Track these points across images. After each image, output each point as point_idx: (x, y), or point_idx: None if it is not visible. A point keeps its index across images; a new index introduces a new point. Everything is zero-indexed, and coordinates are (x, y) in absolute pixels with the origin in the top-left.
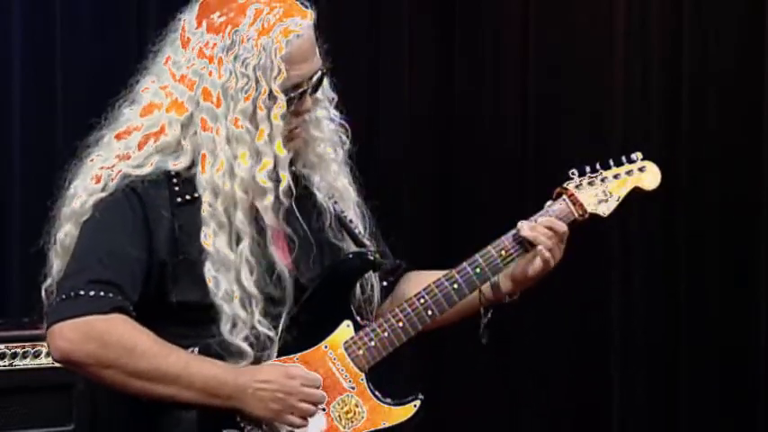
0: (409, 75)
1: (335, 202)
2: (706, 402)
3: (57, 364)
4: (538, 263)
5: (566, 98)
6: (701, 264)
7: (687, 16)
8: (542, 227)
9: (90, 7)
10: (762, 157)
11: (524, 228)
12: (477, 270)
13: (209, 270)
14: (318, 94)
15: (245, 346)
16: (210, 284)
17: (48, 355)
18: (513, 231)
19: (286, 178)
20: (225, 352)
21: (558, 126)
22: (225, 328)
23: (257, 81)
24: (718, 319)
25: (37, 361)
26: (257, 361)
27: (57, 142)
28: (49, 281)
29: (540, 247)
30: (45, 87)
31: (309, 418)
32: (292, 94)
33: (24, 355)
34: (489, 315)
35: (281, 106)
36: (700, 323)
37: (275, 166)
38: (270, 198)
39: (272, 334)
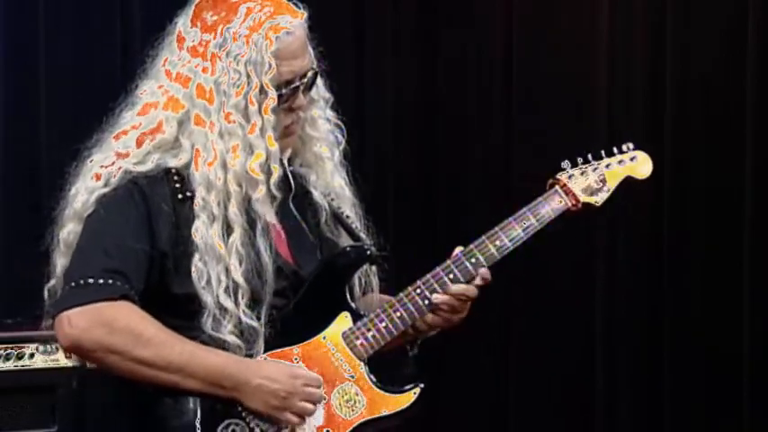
0: (393, 74)
1: (332, 200)
2: (690, 396)
3: (40, 366)
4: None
5: (550, 97)
6: (684, 262)
7: (671, 15)
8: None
9: (73, 6)
10: (745, 155)
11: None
12: (473, 260)
13: (195, 262)
14: (313, 94)
15: (232, 339)
16: (194, 275)
17: (31, 356)
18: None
19: (277, 170)
20: (219, 347)
21: (542, 126)
22: (207, 321)
23: (248, 76)
24: (701, 314)
25: (20, 363)
26: (247, 355)
27: (40, 143)
28: (52, 281)
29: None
30: (28, 88)
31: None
32: (284, 90)
33: (8, 357)
34: (416, 350)
35: (272, 100)
36: (683, 317)
37: (267, 159)
38: (262, 189)
39: (256, 325)
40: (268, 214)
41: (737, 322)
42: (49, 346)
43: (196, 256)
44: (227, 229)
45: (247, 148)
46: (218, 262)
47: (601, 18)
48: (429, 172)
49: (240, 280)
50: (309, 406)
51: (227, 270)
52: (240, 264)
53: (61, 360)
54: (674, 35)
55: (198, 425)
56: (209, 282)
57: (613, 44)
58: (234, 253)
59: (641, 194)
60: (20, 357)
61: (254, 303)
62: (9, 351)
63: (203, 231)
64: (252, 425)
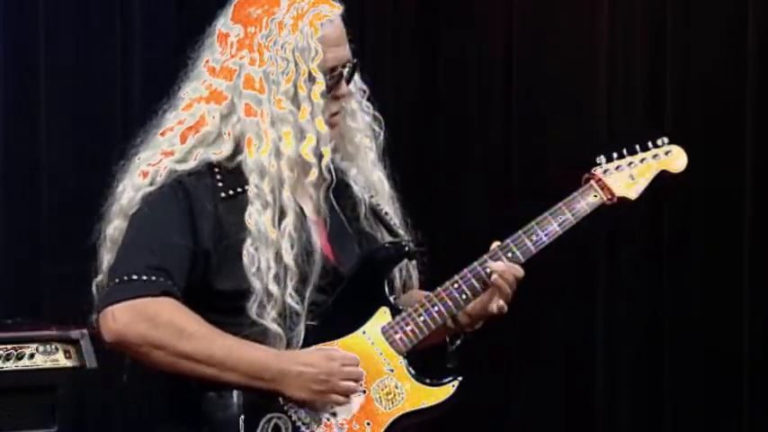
0: (393, 74)
1: (372, 196)
2: (690, 396)
3: (40, 366)
4: (496, 306)
5: (549, 98)
6: (684, 262)
7: (671, 15)
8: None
9: (73, 6)
10: (745, 155)
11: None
12: (509, 254)
13: (247, 247)
14: (352, 87)
15: (275, 327)
16: (245, 260)
17: (31, 356)
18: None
19: (328, 153)
20: (261, 333)
21: (542, 126)
22: (253, 307)
23: (296, 63)
24: (701, 314)
25: (21, 363)
26: (288, 341)
27: (40, 143)
28: (100, 276)
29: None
30: (28, 88)
31: (352, 396)
32: (329, 77)
33: (8, 357)
34: (459, 342)
35: (320, 85)
36: (683, 317)
37: (318, 143)
38: (314, 172)
39: (299, 308)
40: (316, 197)
41: (737, 322)
42: (49, 346)
43: (248, 242)
44: (281, 215)
45: (299, 133)
46: (269, 247)
47: (601, 18)
48: (429, 172)
49: (291, 263)
50: (352, 384)
51: (279, 255)
52: (292, 247)
53: (61, 360)
54: (674, 35)
55: (241, 419)
56: (259, 268)
57: (613, 44)
58: (286, 237)
59: (641, 194)
60: (20, 357)
61: (302, 286)
62: (9, 351)
63: (256, 218)
64: (294, 418)
